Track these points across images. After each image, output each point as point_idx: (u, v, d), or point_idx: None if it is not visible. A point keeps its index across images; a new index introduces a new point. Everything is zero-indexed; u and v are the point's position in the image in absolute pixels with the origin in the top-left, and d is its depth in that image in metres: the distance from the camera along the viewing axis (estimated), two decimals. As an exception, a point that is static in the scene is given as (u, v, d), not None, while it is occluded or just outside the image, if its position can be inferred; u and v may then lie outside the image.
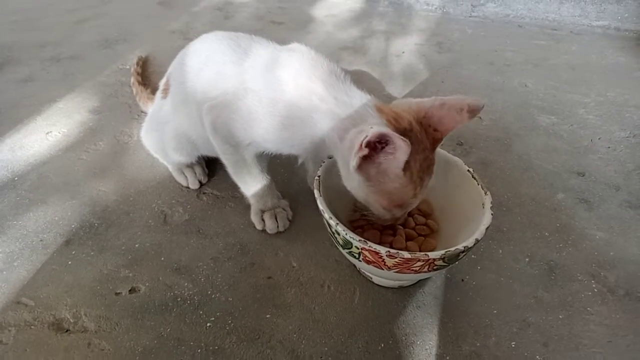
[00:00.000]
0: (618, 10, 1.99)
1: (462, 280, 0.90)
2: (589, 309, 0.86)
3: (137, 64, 1.54)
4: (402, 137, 0.63)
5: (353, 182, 0.76)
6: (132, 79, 1.44)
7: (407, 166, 0.70)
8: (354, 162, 0.69)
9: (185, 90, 0.97)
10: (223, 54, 0.91)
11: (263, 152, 0.91)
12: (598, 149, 1.27)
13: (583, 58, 1.78)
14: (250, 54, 0.89)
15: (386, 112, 0.73)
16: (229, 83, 0.88)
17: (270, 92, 0.82)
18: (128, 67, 1.60)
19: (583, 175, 1.17)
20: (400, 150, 0.65)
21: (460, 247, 0.70)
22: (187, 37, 1.86)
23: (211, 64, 0.93)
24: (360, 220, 0.89)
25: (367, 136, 0.64)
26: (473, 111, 0.71)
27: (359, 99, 0.78)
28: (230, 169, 0.95)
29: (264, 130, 0.83)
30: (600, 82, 1.60)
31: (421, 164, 0.72)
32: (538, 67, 1.70)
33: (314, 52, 0.84)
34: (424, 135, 0.73)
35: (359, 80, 0.84)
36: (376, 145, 0.67)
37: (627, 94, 1.52)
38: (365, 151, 0.67)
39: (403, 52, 1.78)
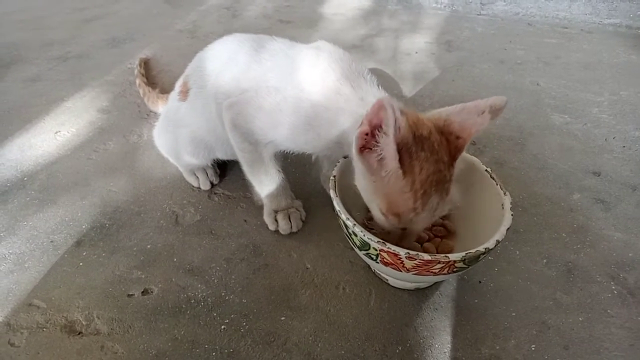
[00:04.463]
0: (630, 8, 1.97)
1: (480, 282, 0.88)
2: (609, 311, 0.84)
3: (140, 65, 1.52)
4: (392, 102, 0.60)
5: (360, 178, 0.74)
6: (138, 81, 1.43)
7: (409, 169, 0.66)
8: (355, 142, 0.67)
9: (205, 93, 0.95)
10: (245, 55, 0.90)
11: (283, 151, 0.89)
12: (613, 148, 1.25)
13: (595, 56, 1.76)
14: (274, 52, 0.88)
15: (409, 115, 0.70)
16: (252, 82, 0.86)
17: (296, 90, 0.80)
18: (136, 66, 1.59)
19: (599, 175, 1.16)
20: (386, 113, 0.61)
21: (481, 248, 0.69)
22: (195, 35, 1.85)
23: (233, 65, 0.91)
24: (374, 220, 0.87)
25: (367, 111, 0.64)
26: (496, 111, 0.68)
27: None
28: (246, 168, 0.94)
29: (288, 130, 0.82)
30: (612, 80, 1.58)
31: (429, 175, 0.67)
32: (550, 66, 1.68)
33: (342, 51, 0.82)
34: (443, 148, 0.69)
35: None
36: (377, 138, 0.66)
37: (641, 92, 1.51)
38: (366, 126, 0.65)
39: (416, 52, 1.76)
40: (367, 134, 0.67)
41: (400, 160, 0.65)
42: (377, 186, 0.70)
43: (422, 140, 0.67)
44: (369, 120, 0.65)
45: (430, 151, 0.68)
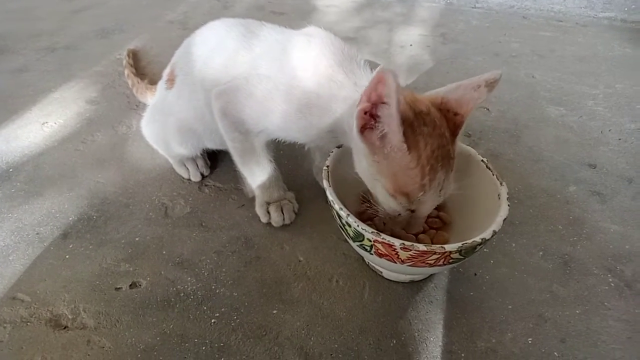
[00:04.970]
0: (625, 1, 1.96)
1: (475, 274, 0.87)
2: (606, 303, 0.83)
3: (128, 55, 1.48)
4: (390, 71, 0.57)
5: (361, 162, 0.72)
6: (126, 72, 1.40)
7: (414, 144, 0.65)
8: (355, 122, 0.65)
9: (192, 80, 0.93)
10: (234, 40, 0.87)
11: (275, 140, 0.87)
12: (609, 141, 1.24)
13: (590, 49, 1.75)
14: (263, 39, 0.86)
15: (404, 94, 0.68)
16: (241, 69, 0.84)
17: (288, 78, 0.78)
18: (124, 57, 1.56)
19: (594, 167, 1.15)
20: (386, 83, 0.58)
21: (478, 239, 0.67)
22: (186, 27, 1.82)
23: (221, 51, 0.89)
24: (368, 212, 0.85)
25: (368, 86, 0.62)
26: (491, 84, 0.67)
27: None
28: (237, 159, 0.92)
29: (280, 118, 0.79)
30: (608, 73, 1.57)
31: (434, 150, 0.66)
32: (545, 59, 1.67)
33: (333, 37, 0.80)
34: (443, 122, 0.69)
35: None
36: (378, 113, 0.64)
37: (637, 85, 1.49)
38: (365, 103, 0.63)
39: (411, 45, 1.74)
40: (366, 112, 0.65)
41: (404, 136, 0.64)
42: (382, 166, 0.68)
43: (422, 115, 0.66)
44: (368, 95, 0.63)
45: (432, 126, 0.67)
